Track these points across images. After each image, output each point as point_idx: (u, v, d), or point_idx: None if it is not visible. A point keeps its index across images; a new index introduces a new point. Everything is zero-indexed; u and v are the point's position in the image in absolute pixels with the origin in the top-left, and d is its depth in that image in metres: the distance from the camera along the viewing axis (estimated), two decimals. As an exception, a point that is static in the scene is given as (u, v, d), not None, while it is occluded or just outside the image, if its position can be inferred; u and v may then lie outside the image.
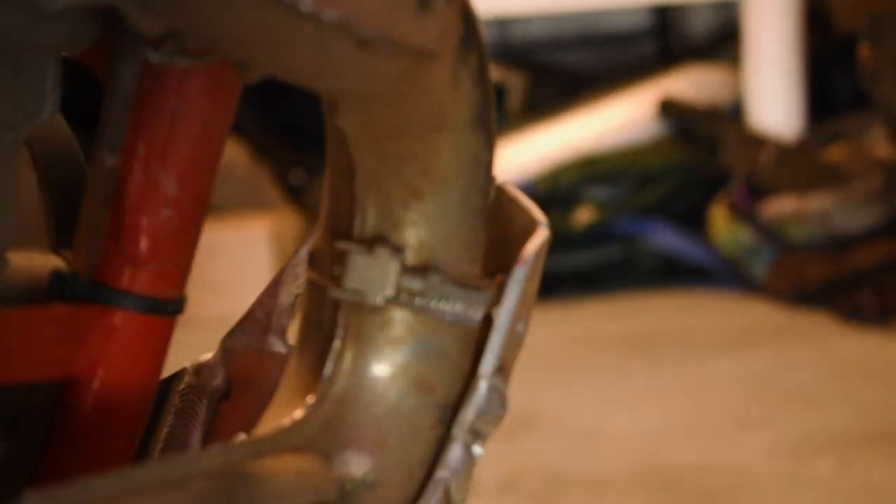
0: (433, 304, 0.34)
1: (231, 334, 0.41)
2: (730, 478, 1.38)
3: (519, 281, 0.35)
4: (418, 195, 0.33)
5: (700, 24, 2.87)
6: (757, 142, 2.03)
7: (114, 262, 0.34)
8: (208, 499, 0.28)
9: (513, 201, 0.38)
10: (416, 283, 0.33)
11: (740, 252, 1.98)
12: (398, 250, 0.33)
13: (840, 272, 1.80)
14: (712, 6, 2.76)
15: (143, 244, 0.34)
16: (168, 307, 0.36)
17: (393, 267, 0.33)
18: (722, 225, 1.99)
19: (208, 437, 0.39)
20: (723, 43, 2.60)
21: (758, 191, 1.94)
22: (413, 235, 0.34)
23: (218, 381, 0.40)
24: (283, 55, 0.28)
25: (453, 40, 0.30)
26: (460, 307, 0.34)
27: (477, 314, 0.35)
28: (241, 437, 0.34)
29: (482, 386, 0.35)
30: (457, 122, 0.32)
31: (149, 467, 0.32)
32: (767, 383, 1.70)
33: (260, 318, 0.40)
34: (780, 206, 1.89)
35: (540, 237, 0.36)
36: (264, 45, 0.27)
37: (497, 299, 0.35)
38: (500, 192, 0.38)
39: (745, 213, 1.95)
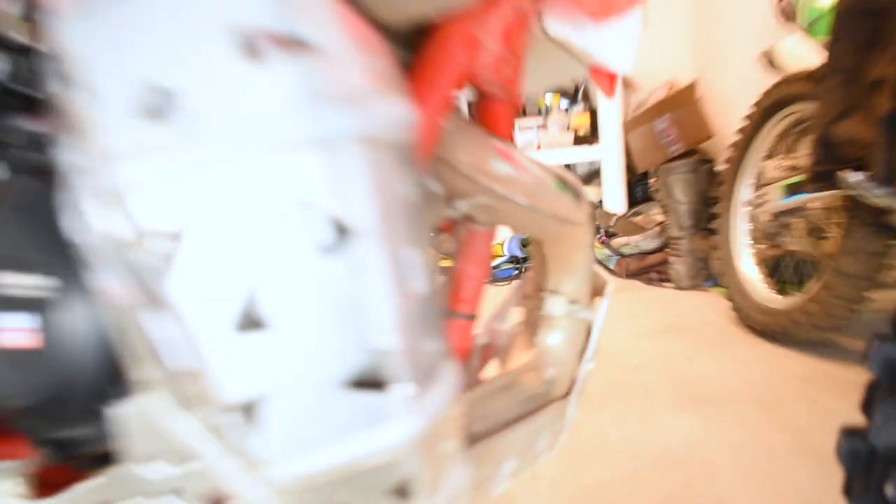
0: (577, 313, 0.91)
1: (490, 320, 0.96)
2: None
3: (605, 305, 0.92)
4: (571, 272, 0.90)
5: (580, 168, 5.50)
6: (610, 215, 4.39)
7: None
8: (510, 391, 0.83)
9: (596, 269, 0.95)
10: (572, 307, 0.90)
11: (604, 258, 4.27)
12: (563, 294, 0.90)
13: (643, 266, 4.03)
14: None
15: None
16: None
17: (562, 302, 0.90)
18: (597, 248, 4.32)
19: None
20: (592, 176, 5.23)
21: (611, 234, 4.27)
22: (569, 287, 0.91)
23: (484, 341, 0.95)
24: (516, 223, 0.85)
25: (587, 216, 0.88)
26: (586, 314, 0.91)
27: (591, 318, 0.92)
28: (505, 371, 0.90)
29: (592, 342, 0.91)
30: (586, 244, 0.90)
31: (486, 384, 0.87)
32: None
33: (499, 314, 0.96)
34: (618, 241, 4.19)
35: (611, 286, 0.93)
36: (511, 221, 0.83)
37: (595, 313, 0.92)
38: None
39: (606, 244, 4.27)
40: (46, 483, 0.82)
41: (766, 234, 2.71)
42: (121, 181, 0.44)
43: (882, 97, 1.95)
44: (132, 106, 0.44)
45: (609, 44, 0.88)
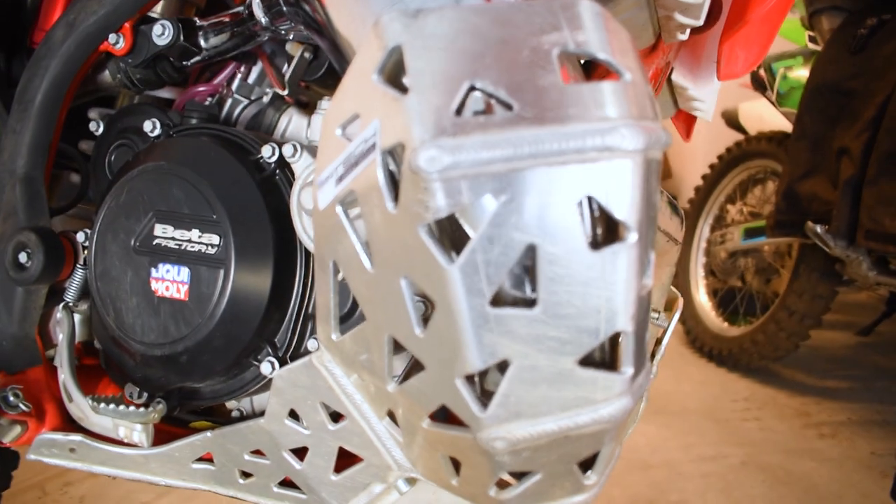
0: (655, 320, 0.94)
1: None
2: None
3: (677, 315, 0.96)
4: (658, 284, 0.93)
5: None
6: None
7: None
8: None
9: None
10: (652, 315, 0.93)
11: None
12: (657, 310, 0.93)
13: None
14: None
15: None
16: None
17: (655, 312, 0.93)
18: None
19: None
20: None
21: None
22: (657, 298, 0.94)
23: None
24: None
25: (682, 236, 0.91)
26: (663, 322, 0.94)
27: (665, 326, 0.95)
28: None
29: (663, 348, 0.94)
30: (674, 262, 0.93)
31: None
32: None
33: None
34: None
35: (681, 301, 0.97)
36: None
37: (668, 322, 0.95)
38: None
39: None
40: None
41: (722, 269, 2.82)
42: (433, 166, 0.45)
43: (846, 164, 2.06)
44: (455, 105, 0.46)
45: (706, 93, 0.92)
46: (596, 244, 0.49)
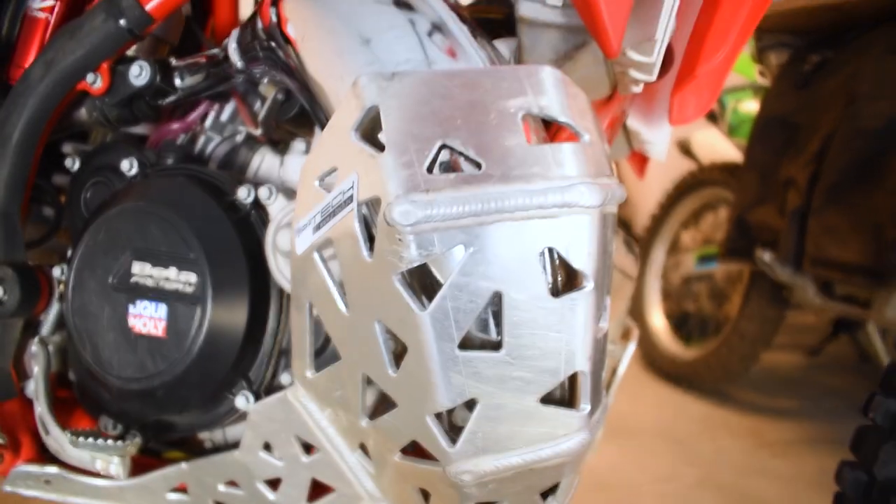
0: (612, 353, 0.98)
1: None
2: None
3: (633, 346, 1.00)
4: (613, 317, 0.97)
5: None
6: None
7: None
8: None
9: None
10: (609, 346, 0.97)
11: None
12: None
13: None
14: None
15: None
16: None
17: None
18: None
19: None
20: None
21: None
22: (612, 330, 0.98)
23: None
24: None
25: (637, 272, 0.96)
26: (618, 353, 0.99)
27: (621, 357, 0.99)
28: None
29: (618, 378, 0.99)
30: (629, 296, 0.98)
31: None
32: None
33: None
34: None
35: (636, 331, 1.02)
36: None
37: (624, 352, 1.00)
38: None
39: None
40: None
41: (677, 294, 2.89)
42: (406, 219, 0.49)
43: (793, 194, 2.14)
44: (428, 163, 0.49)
45: (659, 136, 0.97)
46: (556, 291, 0.53)
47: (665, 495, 1.93)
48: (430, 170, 0.50)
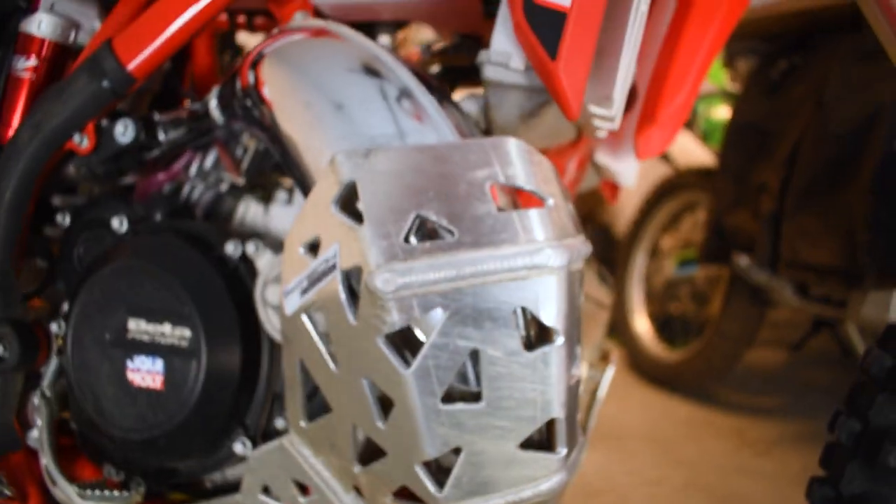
0: (593, 376, 1.02)
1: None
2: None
3: (611, 371, 1.04)
4: (592, 343, 1.02)
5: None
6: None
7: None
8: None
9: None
10: (590, 371, 1.01)
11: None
12: (584, 360, 1.01)
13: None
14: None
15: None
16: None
17: (583, 366, 1.01)
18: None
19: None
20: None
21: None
22: (588, 354, 1.02)
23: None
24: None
25: (610, 303, 0.99)
26: (598, 376, 1.03)
27: (601, 379, 1.03)
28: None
29: (599, 399, 1.03)
30: (605, 322, 1.01)
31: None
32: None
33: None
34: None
35: (615, 354, 1.06)
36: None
37: (604, 375, 1.04)
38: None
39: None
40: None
41: (659, 297, 2.95)
42: (387, 287, 0.53)
43: (766, 199, 2.20)
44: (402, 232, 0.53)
45: (627, 167, 1.01)
46: (530, 346, 0.57)
47: (654, 498, 1.97)
48: (406, 239, 0.54)
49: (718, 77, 2.78)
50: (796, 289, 2.17)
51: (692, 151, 2.97)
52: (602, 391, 1.02)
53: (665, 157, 3.12)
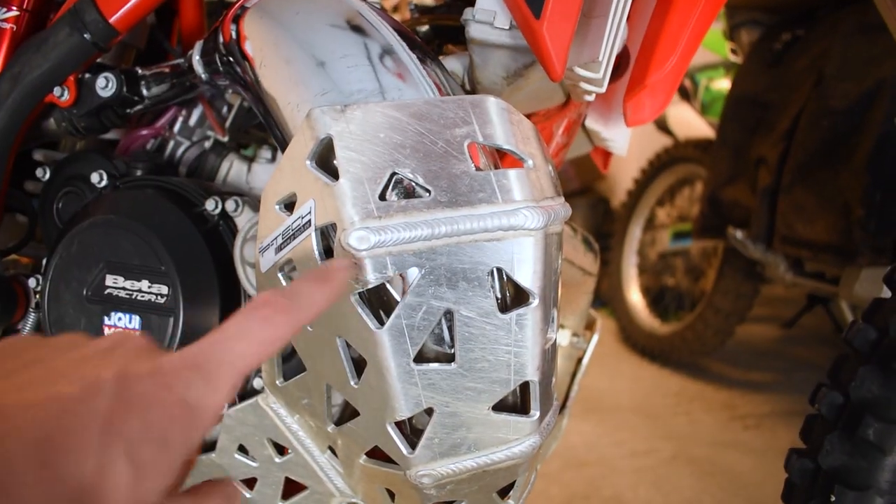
0: (576, 343, 1.02)
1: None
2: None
3: (595, 339, 1.04)
4: (577, 311, 1.02)
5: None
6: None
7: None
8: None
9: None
10: (573, 339, 1.02)
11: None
12: (568, 328, 1.02)
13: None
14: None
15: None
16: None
17: (566, 334, 1.01)
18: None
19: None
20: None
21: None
22: (572, 323, 1.02)
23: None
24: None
25: (597, 270, 1.00)
26: (582, 345, 1.03)
27: (585, 348, 1.04)
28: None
29: (583, 367, 1.03)
30: (591, 290, 1.02)
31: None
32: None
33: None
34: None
35: (599, 322, 1.06)
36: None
37: (588, 344, 1.04)
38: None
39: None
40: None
41: (653, 269, 2.96)
42: (361, 244, 0.52)
43: (763, 173, 2.19)
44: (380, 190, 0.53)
45: (618, 134, 1.01)
46: (504, 308, 0.57)
47: (641, 470, 1.99)
48: (382, 197, 0.54)
49: (719, 48, 2.76)
50: (791, 264, 2.17)
51: (692, 123, 2.95)
52: (586, 359, 1.02)
53: (664, 129, 3.10)
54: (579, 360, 1.02)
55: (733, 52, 2.55)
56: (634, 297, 2.99)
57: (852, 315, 2.30)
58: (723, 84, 2.64)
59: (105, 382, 0.31)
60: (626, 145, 1.05)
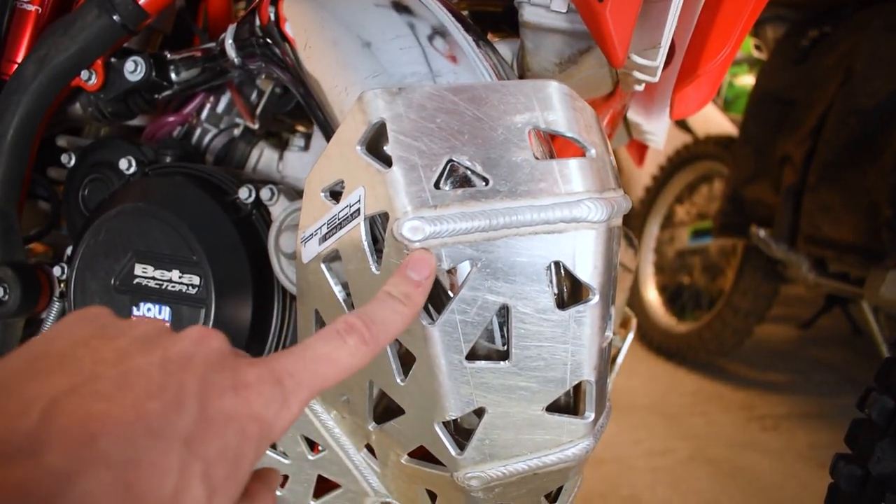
0: (615, 341, 1.00)
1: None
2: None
3: (631, 336, 1.02)
4: (617, 311, 0.99)
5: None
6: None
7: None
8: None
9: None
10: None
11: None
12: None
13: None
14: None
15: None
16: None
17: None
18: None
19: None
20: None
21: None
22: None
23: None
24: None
25: (635, 266, 0.97)
26: (618, 343, 1.00)
27: (620, 346, 1.01)
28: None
29: (618, 365, 1.00)
30: (628, 287, 0.99)
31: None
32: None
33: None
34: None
35: (634, 321, 1.03)
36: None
37: (623, 342, 1.01)
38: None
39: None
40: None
41: (670, 268, 2.92)
42: (415, 235, 0.50)
43: (788, 171, 2.15)
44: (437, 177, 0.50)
45: (658, 127, 0.98)
46: (562, 304, 0.54)
47: (658, 469, 1.96)
48: (437, 185, 0.51)
49: (744, 44, 2.71)
50: (814, 264, 2.14)
51: (712, 119, 2.91)
52: (620, 358, 0.99)
53: (684, 125, 3.06)
54: (613, 360, 1.00)
55: (757, 47, 2.51)
56: (651, 295, 2.96)
57: (874, 316, 2.26)
58: (746, 80, 2.60)
59: (188, 398, 0.31)
60: (664, 139, 1.02)
